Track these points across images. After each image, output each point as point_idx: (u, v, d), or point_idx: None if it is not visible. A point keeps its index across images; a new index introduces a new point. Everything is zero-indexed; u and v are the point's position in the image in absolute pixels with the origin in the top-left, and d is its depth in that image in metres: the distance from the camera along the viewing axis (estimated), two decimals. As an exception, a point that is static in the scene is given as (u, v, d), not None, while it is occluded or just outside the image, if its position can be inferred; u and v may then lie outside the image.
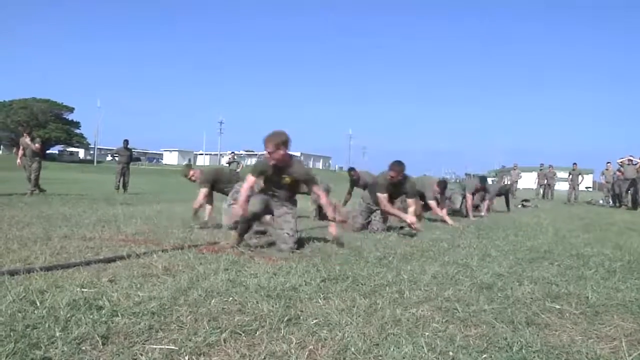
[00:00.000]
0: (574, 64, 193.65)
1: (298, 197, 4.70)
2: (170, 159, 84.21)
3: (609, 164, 17.40)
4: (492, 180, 23.01)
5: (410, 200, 5.57)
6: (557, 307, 2.52)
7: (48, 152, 60.43)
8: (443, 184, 7.90)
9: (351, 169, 8.46)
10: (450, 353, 1.84)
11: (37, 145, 10.59)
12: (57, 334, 1.86)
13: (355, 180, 8.18)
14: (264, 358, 1.78)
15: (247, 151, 76.73)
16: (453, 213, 8.31)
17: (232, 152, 22.48)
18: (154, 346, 1.83)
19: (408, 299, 2.57)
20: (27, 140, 10.56)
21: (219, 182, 6.11)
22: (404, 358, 1.79)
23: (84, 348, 1.79)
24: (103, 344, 1.82)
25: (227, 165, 20.56)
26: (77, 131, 66.43)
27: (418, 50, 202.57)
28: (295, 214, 4.38)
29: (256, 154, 68.21)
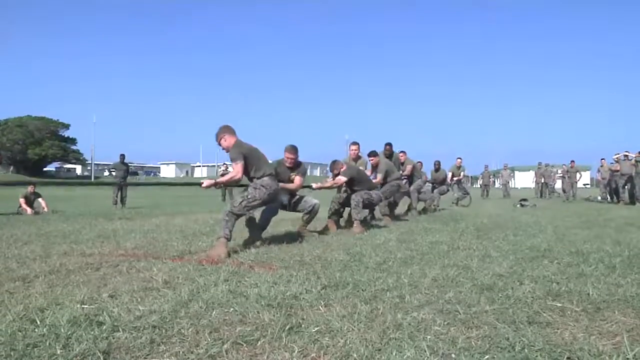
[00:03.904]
0: (570, 61, 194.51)
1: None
2: (168, 172, 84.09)
3: (603, 160, 17.46)
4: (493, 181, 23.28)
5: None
6: (559, 305, 2.52)
7: (45, 169, 60.38)
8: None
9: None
10: (453, 355, 1.84)
11: None
12: (58, 352, 1.85)
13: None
14: (267, 368, 1.77)
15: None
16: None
17: (224, 164, 22.71)
18: (156, 360, 1.83)
19: (409, 303, 2.57)
20: None
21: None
22: (406, 362, 1.79)
23: (85, 365, 1.78)
24: (104, 360, 1.81)
25: (221, 177, 20.69)
26: (74, 147, 66.37)
27: (413, 52, 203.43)
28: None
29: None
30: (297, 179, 5.57)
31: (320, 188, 6.90)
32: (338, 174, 6.41)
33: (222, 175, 20.42)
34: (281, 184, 5.31)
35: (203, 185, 4.64)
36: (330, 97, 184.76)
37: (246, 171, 4.58)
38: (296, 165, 5.60)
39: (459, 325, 2.20)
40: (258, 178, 4.62)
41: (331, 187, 6.75)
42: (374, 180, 7.43)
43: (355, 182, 6.41)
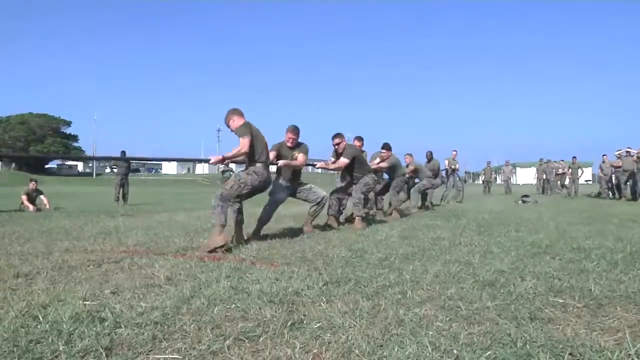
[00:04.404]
0: (572, 58, 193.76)
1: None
2: (169, 168, 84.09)
3: (605, 156, 17.38)
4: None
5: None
6: (560, 301, 2.52)
7: (47, 166, 60.46)
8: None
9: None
10: (455, 351, 1.84)
11: None
12: (61, 348, 1.86)
13: None
14: (269, 364, 1.78)
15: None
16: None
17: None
18: (158, 356, 1.83)
19: (411, 299, 2.57)
20: None
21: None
22: (408, 358, 1.79)
23: (88, 361, 1.78)
24: (107, 356, 1.82)
25: (221, 173, 20.67)
26: (75, 144, 66.45)
27: (413, 49, 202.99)
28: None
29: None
30: (301, 157, 5.67)
31: (323, 168, 7.02)
32: (339, 144, 6.38)
33: (223, 172, 20.43)
34: (286, 161, 5.48)
35: (211, 161, 4.78)
36: (330, 94, 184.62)
37: (250, 151, 4.66)
38: (297, 145, 5.71)
39: (461, 321, 2.20)
40: (254, 163, 4.72)
41: (335, 169, 6.73)
42: (381, 161, 7.99)
43: (355, 163, 6.41)
